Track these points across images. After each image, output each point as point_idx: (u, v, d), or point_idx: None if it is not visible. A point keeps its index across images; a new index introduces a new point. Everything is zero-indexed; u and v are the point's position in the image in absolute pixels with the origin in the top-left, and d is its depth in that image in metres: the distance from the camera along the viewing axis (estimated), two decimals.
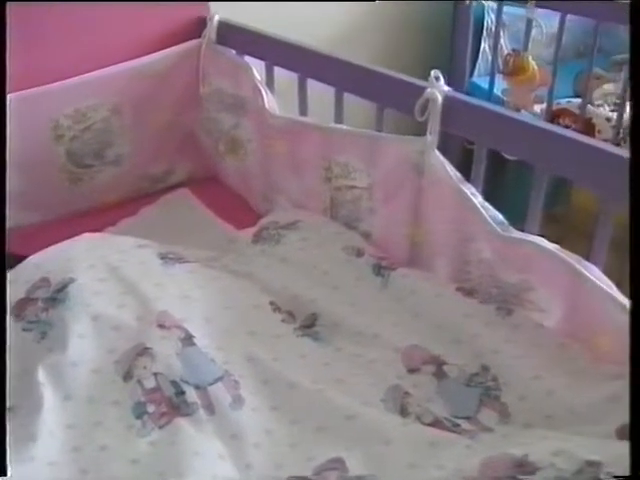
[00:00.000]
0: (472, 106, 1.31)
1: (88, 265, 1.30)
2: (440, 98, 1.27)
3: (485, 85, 2.39)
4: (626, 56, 2.14)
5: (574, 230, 1.89)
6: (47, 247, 1.36)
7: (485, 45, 2.47)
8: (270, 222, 1.57)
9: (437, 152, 1.30)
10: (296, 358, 1.22)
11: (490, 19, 2.42)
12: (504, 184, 2.08)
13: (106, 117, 1.72)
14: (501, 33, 2.40)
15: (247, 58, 1.69)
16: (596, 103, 2.26)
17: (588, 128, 2.15)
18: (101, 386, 1.13)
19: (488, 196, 1.28)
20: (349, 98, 1.52)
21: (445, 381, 1.17)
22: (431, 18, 2.51)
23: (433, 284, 1.33)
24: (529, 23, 2.20)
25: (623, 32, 2.35)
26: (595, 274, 1.12)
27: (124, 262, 1.34)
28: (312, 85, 1.60)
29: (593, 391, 1.07)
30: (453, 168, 1.29)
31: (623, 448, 0.91)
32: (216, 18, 1.72)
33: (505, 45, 2.46)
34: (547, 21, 2.37)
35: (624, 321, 1.04)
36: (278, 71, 1.67)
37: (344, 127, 1.49)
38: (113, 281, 1.28)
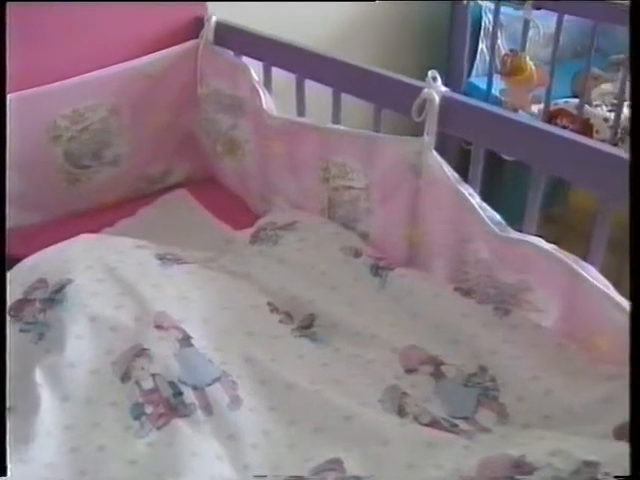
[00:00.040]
0: (469, 106, 1.31)
1: (86, 266, 1.30)
2: (437, 98, 1.27)
3: (483, 85, 2.39)
4: (623, 56, 2.14)
5: (572, 230, 1.89)
6: (45, 248, 1.36)
7: (483, 45, 2.47)
8: (268, 223, 1.57)
9: (434, 152, 1.30)
10: (294, 359, 1.22)
11: (488, 19, 2.43)
12: (502, 184, 2.08)
13: (104, 117, 1.72)
14: (498, 33, 2.40)
15: (245, 59, 1.69)
16: (594, 103, 2.26)
17: (586, 128, 2.15)
18: (99, 387, 1.13)
19: (486, 196, 1.28)
20: (346, 99, 1.52)
21: (443, 381, 1.17)
22: (429, 18, 2.51)
23: (431, 284, 1.34)
24: (526, 23, 2.20)
25: (620, 32, 2.36)
26: (592, 274, 1.12)
27: (122, 263, 1.34)
28: (310, 86, 1.60)
29: (591, 391, 1.07)
30: (450, 168, 1.29)
31: (620, 448, 0.91)
32: (213, 19, 1.72)
33: (503, 45, 2.46)
34: (544, 21, 2.38)
35: (621, 321, 1.04)
36: (276, 72, 1.67)
37: (342, 128, 1.49)
38: (111, 282, 1.28)
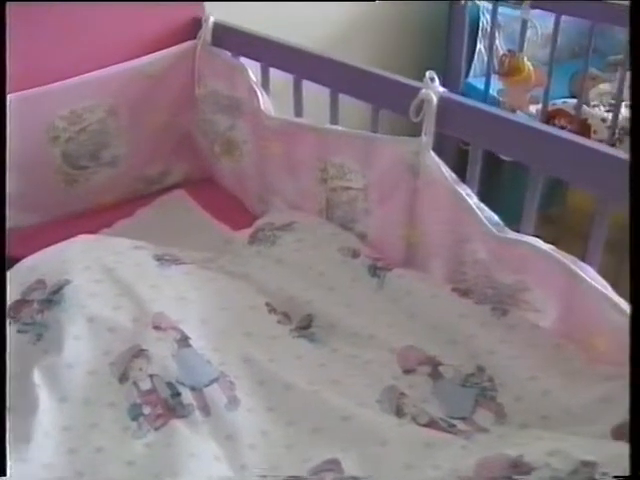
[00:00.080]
0: (467, 107, 1.31)
1: (84, 267, 1.30)
2: (435, 99, 1.28)
3: (481, 86, 2.39)
4: (621, 57, 2.14)
5: (570, 231, 1.89)
6: (43, 249, 1.36)
7: (480, 46, 2.47)
8: (266, 223, 1.57)
9: (432, 153, 1.30)
10: (292, 359, 1.22)
11: (485, 20, 2.43)
12: (499, 185, 2.08)
13: (102, 118, 1.72)
14: (496, 34, 2.40)
15: (242, 59, 1.69)
16: (592, 104, 2.26)
17: (584, 129, 2.15)
18: (97, 388, 1.13)
19: (483, 197, 1.29)
20: (344, 99, 1.52)
21: (441, 382, 1.17)
22: (426, 19, 2.51)
23: (429, 285, 1.34)
24: (524, 24, 2.20)
25: (618, 33, 2.36)
26: (590, 275, 1.12)
27: (120, 264, 1.34)
28: (307, 86, 1.60)
29: (588, 391, 1.07)
30: (448, 169, 1.29)
31: (618, 448, 0.91)
32: (211, 20, 1.72)
33: (501, 46, 2.46)
34: (542, 22, 2.38)
35: (619, 321, 1.04)
36: (273, 72, 1.67)
37: (339, 128, 1.49)
38: (109, 283, 1.28)
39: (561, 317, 1.19)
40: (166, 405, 1.09)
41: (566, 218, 2.14)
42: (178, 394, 1.10)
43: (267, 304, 1.33)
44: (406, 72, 1.41)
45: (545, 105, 2.23)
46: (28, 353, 1.16)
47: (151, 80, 1.74)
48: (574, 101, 2.23)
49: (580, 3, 2.09)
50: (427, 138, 1.30)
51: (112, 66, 1.68)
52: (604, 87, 2.31)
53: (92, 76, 1.66)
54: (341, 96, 1.53)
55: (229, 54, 1.72)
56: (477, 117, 1.29)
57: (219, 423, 1.08)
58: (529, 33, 2.26)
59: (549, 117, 2.23)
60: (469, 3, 2.35)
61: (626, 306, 1.05)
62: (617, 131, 2.12)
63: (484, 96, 2.32)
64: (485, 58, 2.42)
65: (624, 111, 2.11)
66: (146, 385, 1.12)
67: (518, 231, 1.25)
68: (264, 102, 1.60)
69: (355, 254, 1.43)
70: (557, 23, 2.14)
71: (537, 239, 1.19)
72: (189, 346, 1.18)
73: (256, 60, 1.68)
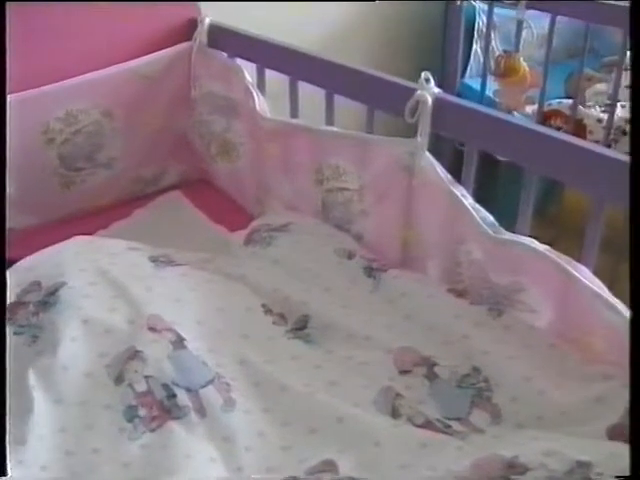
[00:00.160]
0: (462, 108, 1.31)
1: (79, 269, 1.30)
2: (430, 100, 1.28)
3: (477, 86, 2.39)
4: (616, 57, 2.14)
5: (567, 231, 1.89)
6: (38, 251, 1.36)
7: (476, 46, 2.47)
8: (262, 224, 1.57)
9: (428, 154, 1.30)
10: (288, 360, 1.22)
11: (481, 20, 2.43)
12: (495, 186, 2.09)
13: (97, 120, 1.71)
14: (492, 34, 2.40)
15: (238, 60, 1.69)
16: (587, 104, 2.26)
17: (579, 129, 2.16)
18: (92, 390, 1.13)
19: (479, 198, 1.29)
20: (340, 100, 1.52)
21: (436, 382, 1.17)
22: (422, 19, 2.51)
23: (424, 285, 1.34)
24: (519, 24, 2.20)
25: (613, 33, 2.36)
26: (586, 275, 1.12)
27: (115, 265, 1.34)
28: (303, 87, 1.60)
29: (584, 391, 1.07)
30: (444, 170, 1.29)
31: (614, 448, 0.91)
32: (207, 21, 1.72)
33: (496, 46, 2.46)
34: (537, 22, 2.38)
35: (615, 322, 1.04)
36: (269, 73, 1.67)
37: (335, 129, 1.49)
38: (104, 284, 1.28)
39: (557, 317, 1.19)
40: (162, 407, 1.09)
41: (563, 218, 2.14)
42: (174, 396, 1.10)
43: (263, 305, 1.33)
44: (402, 73, 1.41)
45: (541, 106, 2.24)
46: (23, 355, 1.16)
47: (147, 81, 1.73)
48: (570, 101, 2.23)
49: (575, 3, 2.09)
50: (422, 139, 1.30)
51: (107, 67, 1.68)
52: (600, 87, 2.31)
53: (87, 77, 1.66)
54: (336, 97, 1.53)
55: (225, 55, 1.72)
56: (472, 118, 1.29)
57: (215, 424, 1.08)
58: (525, 34, 2.26)
59: (545, 118, 2.24)
60: (465, 4, 2.35)
61: (621, 307, 1.05)
62: (613, 131, 2.12)
63: (480, 97, 2.32)
64: (481, 59, 2.42)
65: (620, 111, 2.11)
66: (142, 387, 1.12)
67: (514, 232, 1.25)
68: (260, 103, 1.60)
69: (351, 255, 1.42)
70: (552, 23, 2.15)
71: (532, 240, 1.19)
72: (185, 347, 1.18)
73: (252, 61, 1.68)
